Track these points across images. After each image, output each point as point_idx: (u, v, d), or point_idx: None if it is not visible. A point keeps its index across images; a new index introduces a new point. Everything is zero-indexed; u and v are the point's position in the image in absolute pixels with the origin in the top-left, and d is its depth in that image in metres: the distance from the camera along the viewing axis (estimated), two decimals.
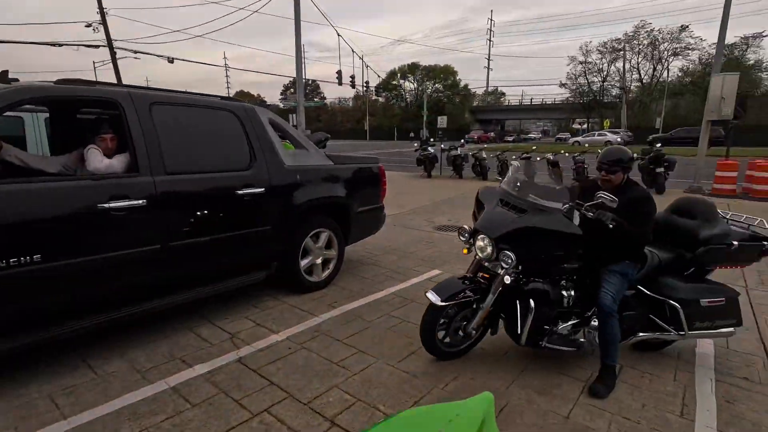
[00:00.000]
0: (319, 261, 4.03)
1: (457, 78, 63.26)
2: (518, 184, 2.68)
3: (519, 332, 2.55)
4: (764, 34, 40.57)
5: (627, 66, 46.62)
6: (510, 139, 51.21)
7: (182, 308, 3.49)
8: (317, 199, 3.85)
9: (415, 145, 15.63)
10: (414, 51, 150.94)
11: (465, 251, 2.77)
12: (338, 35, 22.23)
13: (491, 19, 72.49)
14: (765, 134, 30.18)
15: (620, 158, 2.58)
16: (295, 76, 14.91)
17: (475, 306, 2.69)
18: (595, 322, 2.66)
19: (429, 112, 47.08)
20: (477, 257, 2.65)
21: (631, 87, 47.33)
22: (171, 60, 23.27)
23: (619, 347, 2.56)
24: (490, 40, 71.41)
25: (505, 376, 2.67)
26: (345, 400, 2.41)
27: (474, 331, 2.74)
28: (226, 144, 3.35)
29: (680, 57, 44.32)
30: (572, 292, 2.63)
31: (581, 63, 48.44)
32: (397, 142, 51.47)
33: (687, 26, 43.19)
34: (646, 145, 11.47)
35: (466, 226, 2.74)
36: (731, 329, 2.78)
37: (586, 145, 26.87)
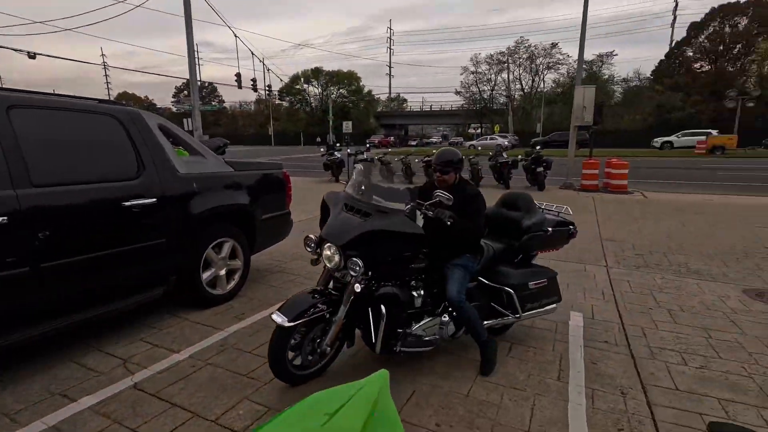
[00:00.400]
0: (222, 272, 3.85)
1: (361, 84, 64.46)
2: (362, 187, 2.66)
3: (373, 340, 2.49)
4: (614, 53, 48.30)
5: (511, 77, 52.04)
6: (413, 143, 53.68)
7: (62, 337, 3.09)
8: (217, 208, 3.68)
9: (322, 150, 15.59)
10: (317, 56, 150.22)
11: (313, 263, 2.63)
12: (235, 36, 21.26)
13: (390, 28, 75.33)
14: (618, 137, 35.94)
15: (451, 159, 2.76)
16: (188, 77, 13.91)
17: (328, 320, 2.54)
18: (446, 318, 2.76)
19: (334, 117, 47.27)
20: (326, 267, 2.54)
21: (515, 96, 52.82)
22: (32, 55, 20.10)
23: (481, 323, 2.75)
24: (390, 48, 74.15)
25: (413, 366, 2.84)
26: (256, 410, 2.36)
27: (329, 348, 2.57)
28: (108, 152, 3.05)
29: (553, 70, 50.81)
30: (422, 292, 2.66)
31: (473, 73, 52.81)
32: (303, 147, 50.65)
33: (557, 44, 49.79)
34: (529, 148, 12.93)
35: (312, 236, 2.59)
36: (554, 306, 3.15)
37: (479, 148, 29.27)
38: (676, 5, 50.51)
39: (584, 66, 14.88)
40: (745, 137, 28.91)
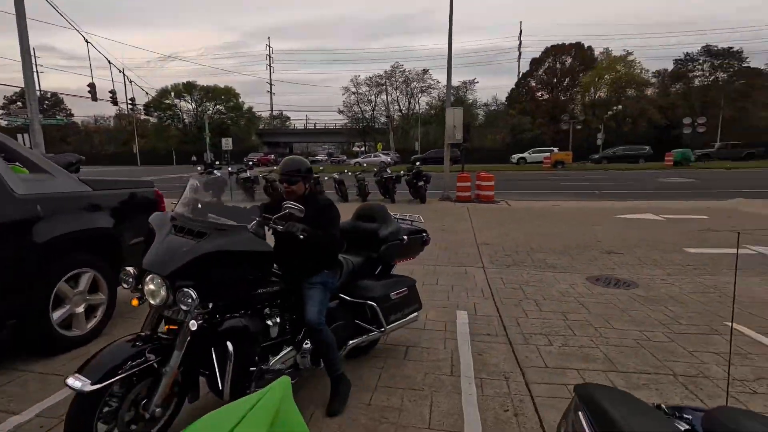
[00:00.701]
0: (80, 309, 3.27)
1: (240, 100, 61.83)
2: (199, 205, 2.32)
3: (220, 386, 2.06)
4: (476, 81, 54.86)
5: (389, 98, 55.23)
6: None
7: None
8: (71, 234, 3.14)
9: (199, 168, 14.49)
10: (189, 69, 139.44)
11: (135, 302, 2.10)
12: (86, 41, 18.56)
13: (269, 46, 74.07)
14: (484, 154, 40.56)
15: (298, 168, 2.54)
16: (23, 86, 11.69)
17: (158, 372, 1.98)
18: (307, 344, 2.51)
19: (212, 134, 44.39)
20: (152, 306, 2.05)
21: (395, 116, 56.11)
22: None
23: (339, 354, 2.54)
24: (270, 66, 72.71)
25: (313, 381, 2.75)
26: None
27: (159, 409, 2.00)
28: None
29: (426, 94, 55.34)
30: (278, 319, 2.40)
31: (354, 93, 54.71)
32: (177, 166, 46.33)
33: (427, 70, 54.31)
34: (410, 164, 13.81)
35: (129, 268, 2.09)
36: (416, 314, 3.14)
37: (365, 165, 30.33)
38: (520, 43, 59.71)
39: (452, 91, 16.59)
40: (577, 154, 35.13)
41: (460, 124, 12.79)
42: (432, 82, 54.15)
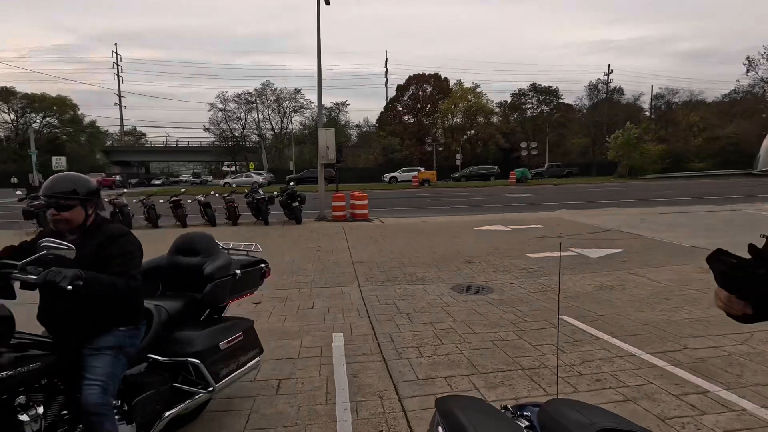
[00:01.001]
0: None
1: (80, 112, 53.17)
2: None
3: None
4: (347, 103, 56.78)
5: (260, 117, 53.54)
6: (158, 182, 48.15)
7: None
8: None
9: (19, 192, 11.89)
10: (5, 73, 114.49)
11: None
12: None
13: (117, 53, 65.42)
14: (358, 174, 42.07)
15: (72, 189, 1.87)
16: None
17: None
18: None
19: (40, 151, 37.13)
20: None
21: (267, 135, 54.54)
22: None
23: None
24: (118, 75, 64.31)
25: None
26: None
27: None
28: None
29: (299, 114, 55.18)
30: (40, 409, 1.68)
31: (221, 110, 51.61)
32: None
33: (299, 90, 54.28)
34: (284, 184, 13.46)
35: None
36: (257, 360, 2.67)
37: (234, 185, 28.68)
38: (387, 70, 64.03)
39: (324, 112, 16.87)
40: (441, 173, 38.81)
41: (333, 144, 13.00)
42: (305, 102, 54.38)
